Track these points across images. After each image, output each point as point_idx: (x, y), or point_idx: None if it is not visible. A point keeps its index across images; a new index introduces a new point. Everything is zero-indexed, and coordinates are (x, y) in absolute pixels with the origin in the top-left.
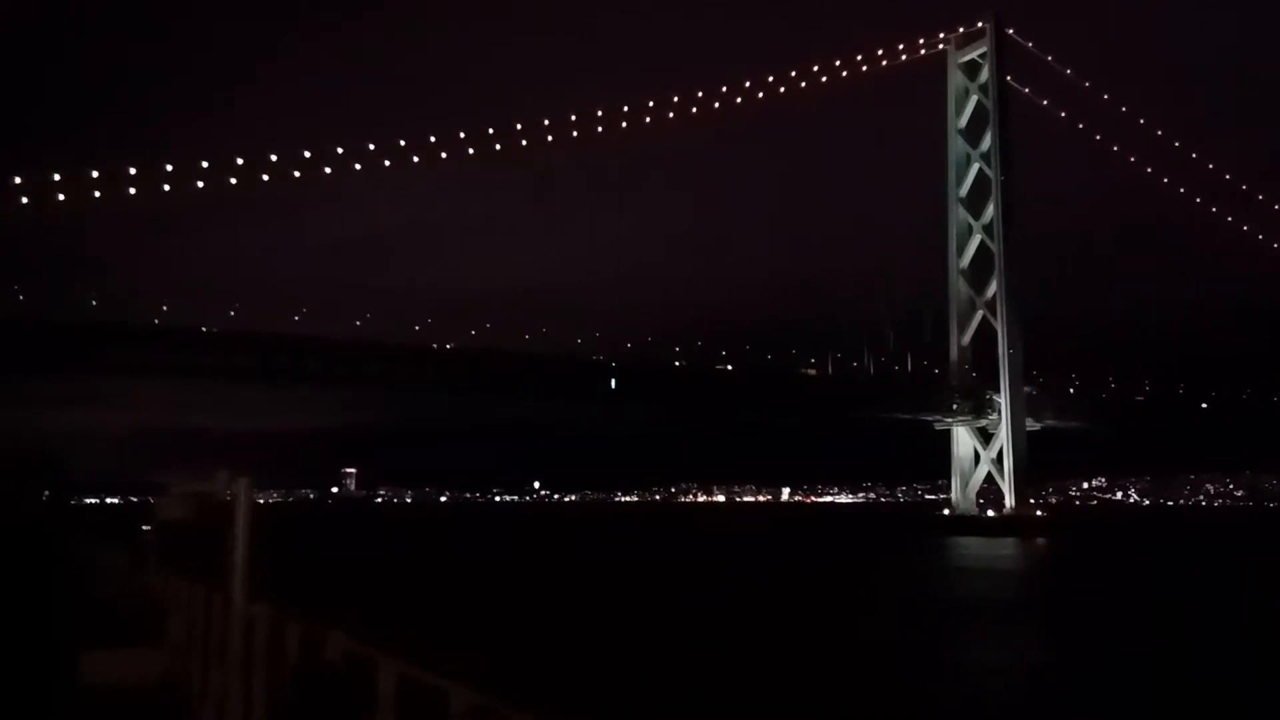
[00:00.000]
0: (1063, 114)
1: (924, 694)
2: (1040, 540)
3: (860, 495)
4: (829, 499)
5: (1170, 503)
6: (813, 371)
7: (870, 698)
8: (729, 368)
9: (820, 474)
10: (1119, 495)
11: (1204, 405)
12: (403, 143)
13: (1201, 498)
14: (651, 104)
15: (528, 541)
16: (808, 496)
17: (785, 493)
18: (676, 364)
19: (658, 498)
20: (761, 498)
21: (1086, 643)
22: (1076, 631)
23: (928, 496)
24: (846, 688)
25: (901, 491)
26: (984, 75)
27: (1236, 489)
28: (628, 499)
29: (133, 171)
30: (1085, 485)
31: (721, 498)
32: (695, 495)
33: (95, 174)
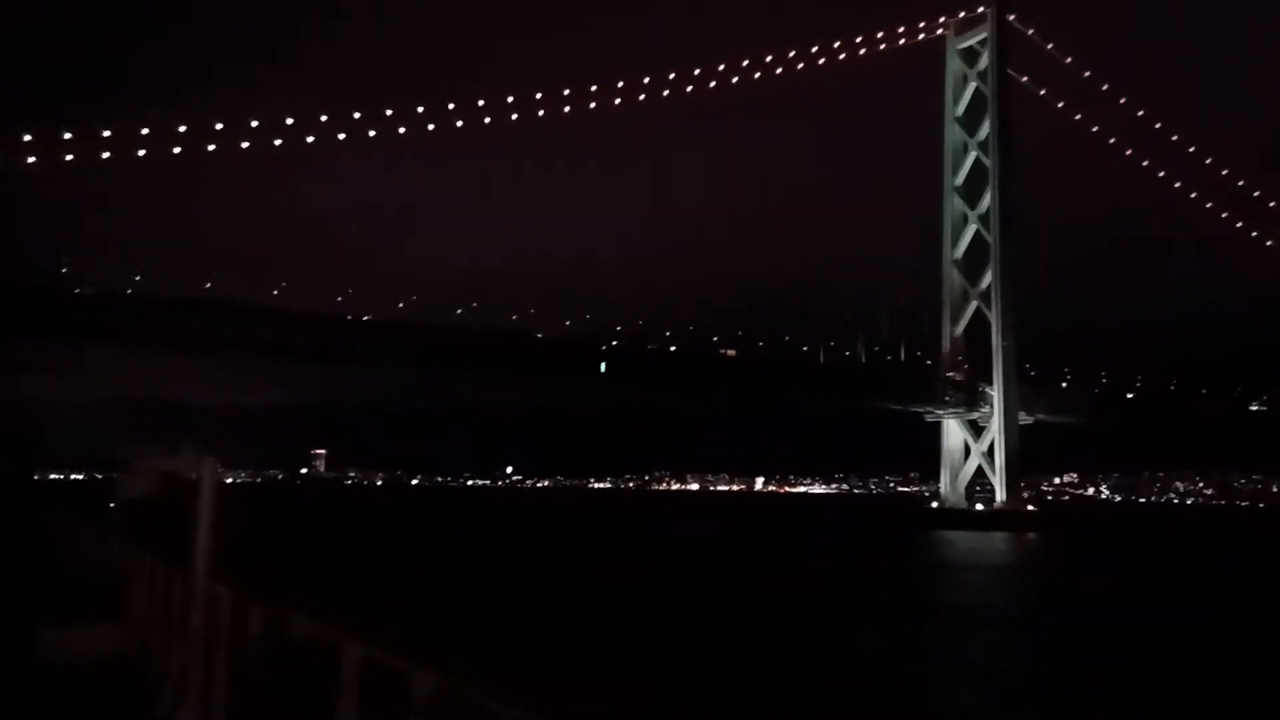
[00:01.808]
0: (1061, 104)
1: (928, 697)
2: (1031, 535)
3: (833, 486)
4: (802, 489)
5: (1141, 499)
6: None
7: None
8: (727, 352)
9: (793, 464)
10: (1090, 491)
11: (1193, 404)
12: (389, 112)
13: (1173, 496)
14: (647, 80)
15: (500, 527)
16: (780, 487)
17: (759, 483)
18: (673, 348)
19: (631, 485)
20: (735, 487)
21: (1099, 643)
22: (1088, 632)
23: (900, 489)
24: (847, 690)
25: (874, 483)
26: (983, 62)
27: (1206, 487)
28: (601, 485)
29: (106, 134)
30: (1057, 480)
31: (695, 486)
32: (669, 483)
33: (68, 135)
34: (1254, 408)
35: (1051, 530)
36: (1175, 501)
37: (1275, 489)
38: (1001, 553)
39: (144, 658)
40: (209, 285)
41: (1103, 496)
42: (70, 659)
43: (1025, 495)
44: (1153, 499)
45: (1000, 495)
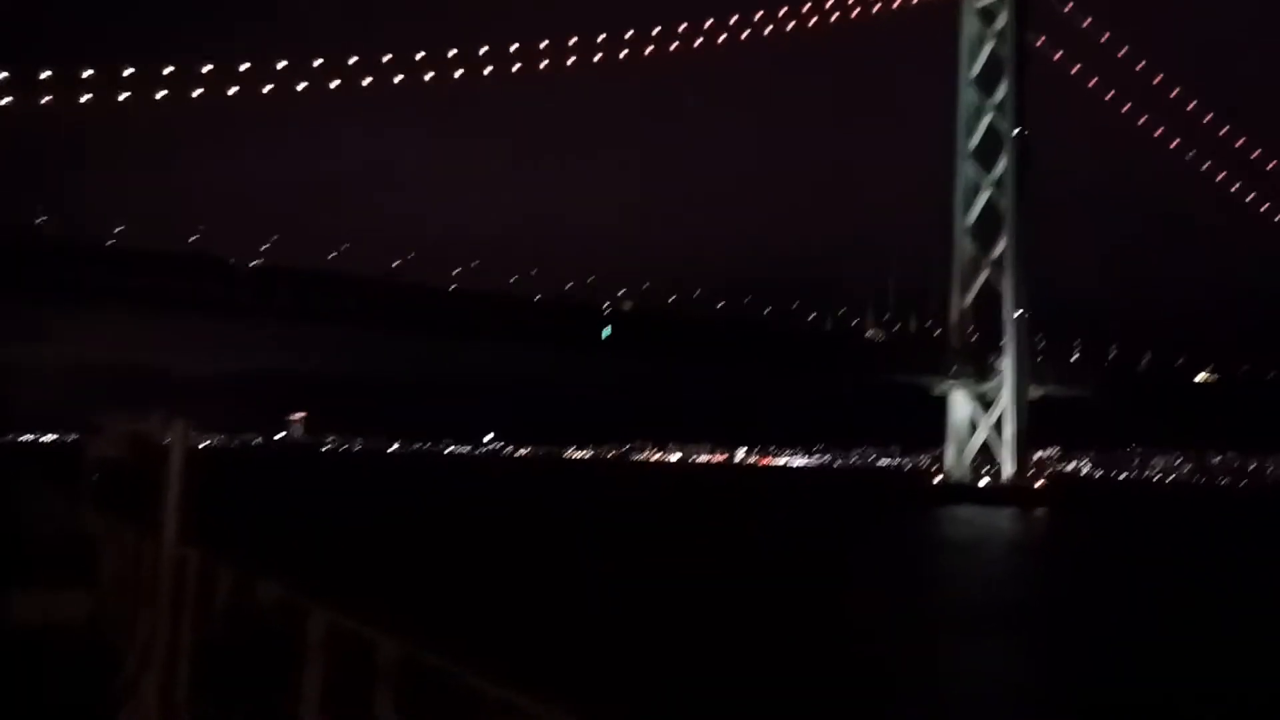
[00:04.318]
0: (1077, 68)
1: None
2: (1039, 511)
3: (813, 458)
4: (784, 461)
5: (1122, 475)
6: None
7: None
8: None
9: (775, 435)
10: (1072, 466)
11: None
12: (387, 58)
13: (1158, 472)
14: (656, 32)
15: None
16: (761, 459)
17: (741, 453)
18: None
19: (611, 455)
20: (716, 457)
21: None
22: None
23: (881, 462)
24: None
25: (856, 455)
26: (1001, 21)
27: (1185, 463)
28: (581, 454)
29: (87, 74)
30: (1040, 454)
31: (676, 456)
32: (651, 453)
33: (46, 75)
34: (1199, 379)
35: (1060, 507)
36: (1157, 478)
37: (1252, 467)
38: (1013, 530)
39: (114, 621)
40: (193, 240)
41: (1084, 472)
42: (39, 622)
43: (1035, 470)
44: (1133, 475)
45: (1008, 470)
